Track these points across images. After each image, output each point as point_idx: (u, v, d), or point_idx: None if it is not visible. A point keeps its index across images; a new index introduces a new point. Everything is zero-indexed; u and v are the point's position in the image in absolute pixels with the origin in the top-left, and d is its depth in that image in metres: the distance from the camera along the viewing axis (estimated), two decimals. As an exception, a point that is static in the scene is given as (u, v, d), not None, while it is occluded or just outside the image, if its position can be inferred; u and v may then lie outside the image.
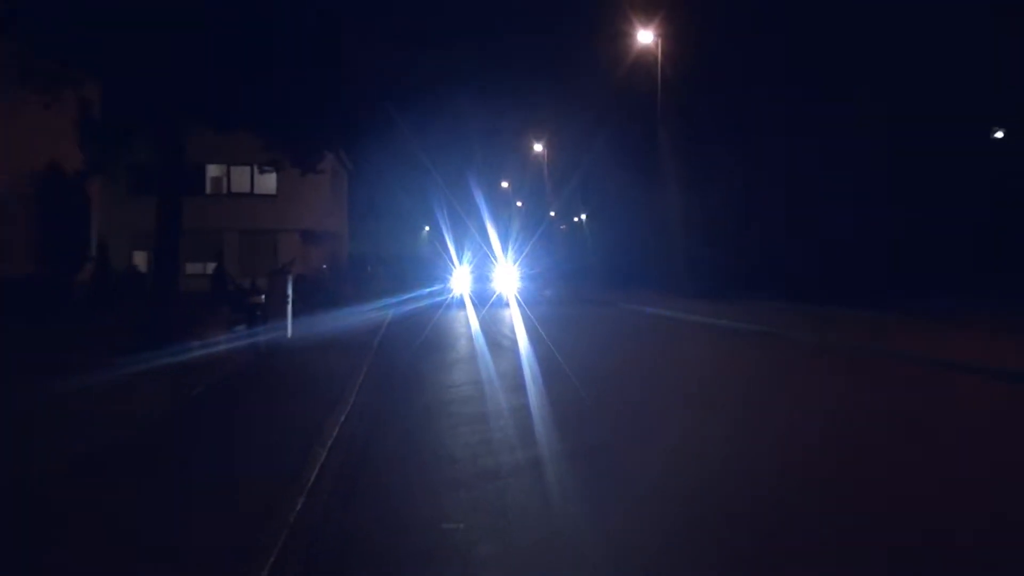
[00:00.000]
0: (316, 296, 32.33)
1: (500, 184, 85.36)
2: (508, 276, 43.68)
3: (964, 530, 6.59)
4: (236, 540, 6.09)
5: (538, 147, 62.40)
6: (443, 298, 40.67)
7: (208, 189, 46.93)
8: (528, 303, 36.39)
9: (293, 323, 21.26)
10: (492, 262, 45.66)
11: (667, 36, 29.73)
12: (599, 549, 6.24)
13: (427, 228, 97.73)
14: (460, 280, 44.71)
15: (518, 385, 13.93)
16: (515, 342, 21.12)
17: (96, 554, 5.89)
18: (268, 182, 45.55)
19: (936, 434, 10.37)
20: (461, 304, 36.34)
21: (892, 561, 5.94)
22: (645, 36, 29.85)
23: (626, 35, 30.85)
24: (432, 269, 56.26)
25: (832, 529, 6.57)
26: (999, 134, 29.32)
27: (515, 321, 27.29)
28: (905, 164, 29.06)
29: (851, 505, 7.15)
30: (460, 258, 49.41)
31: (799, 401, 12.83)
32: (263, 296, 20.71)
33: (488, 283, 42.12)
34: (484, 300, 37.88)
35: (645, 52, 31.58)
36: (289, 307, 21.02)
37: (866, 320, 23.50)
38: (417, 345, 20.65)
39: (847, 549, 6.17)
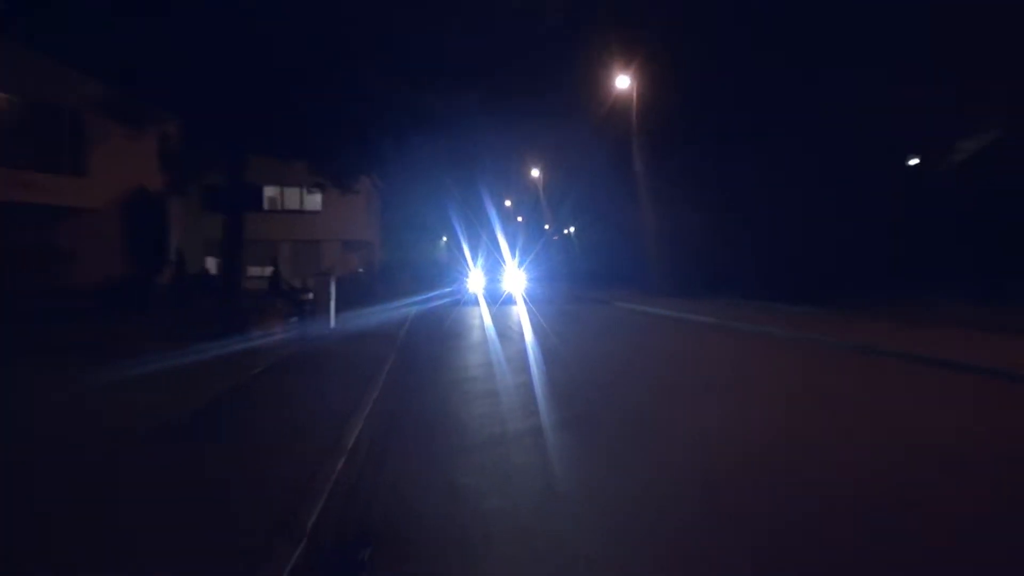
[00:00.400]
0: (354, 294, 32.38)
1: (504, 202, 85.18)
2: (516, 277, 43.61)
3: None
4: (299, 472, 6.32)
5: (535, 172, 62.24)
6: (460, 296, 40.05)
7: (265, 206, 46.96)
8: (532, 299, 36.37)
9: (335, 316, 21.35)
10: (501, 266, 45.06)
11: (642, 79, 29.67)
12: (582, 499, 6.43)
13: (445, 237, 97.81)
14: (475, 281, 44.41)
15: (523, 366, 14.09)
16: (521, 329, 21.28)
17: (192, 482, 6.10)
18: (314, 200, 45.58)
19: (772, 373, 12.28)
20: (475, 301, 35.79)
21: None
22: (622, 81, 29.75)
23: (608, 80, 30.82)
24: (450, 272, 56.14)
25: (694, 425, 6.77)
26: (914, 160, 29.34)
27: (521, 314, 27.24)
28: (843, 185, 29.04)
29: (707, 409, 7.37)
30: (474, 262, 49.20)
31: (723, 367, 13.46)
32: (311, 294, 20.79)
33: (498, 283, 41.72)
34: (495, 298, 37.47)
35: (623, 94, 31.56)
36: (332, 303, 21.10)
37: (800, 314, 23.56)
38: (438, 334, 20.77)
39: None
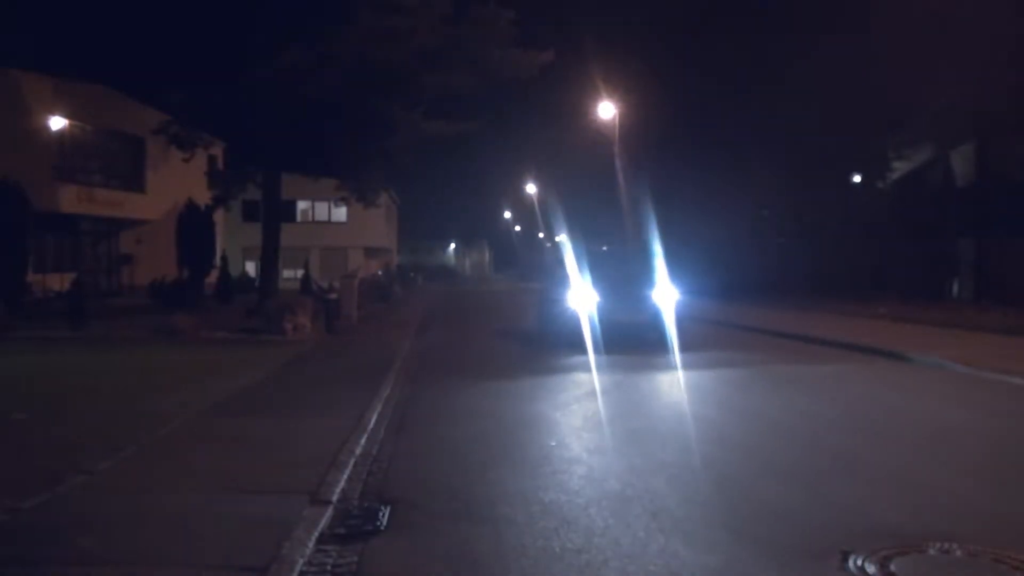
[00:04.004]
0: (374, 293, 33.31)
1: (503, 213, 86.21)
2: (663, 290, 43.30)
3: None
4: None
5: (531, 187, 62.91)
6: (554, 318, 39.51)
7: (298, 218, 48.39)
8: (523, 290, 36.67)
9: (357, 312, 22.30)
10: (629, 267, 44.09)
11: (626, 105, 30.30)
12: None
13: (453, 244, 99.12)
14: (580, 294, 44.36)
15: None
16: (497, 313, 22.03)
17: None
18: (340, 213, 46.78)
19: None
20: (582, 347, 35.69)
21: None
22: (606, 108, 30.49)
23: (593, 108, 31.56)
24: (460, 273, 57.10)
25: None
26: (856, 178, 30.17)
27: (503, 305, 27.90)
28: (796, 202, 29.82)
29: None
30: (584, 263, 49.41)
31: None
32: (337, 294, 21.77)
33: (635, 300, 40.89)
34: (649, 343, 37.11)
35: (608, 117, 32.28)
36: (354, 300, 22.02)
37: (747, 308, 24.24)
38: (442, 319, 21.76)
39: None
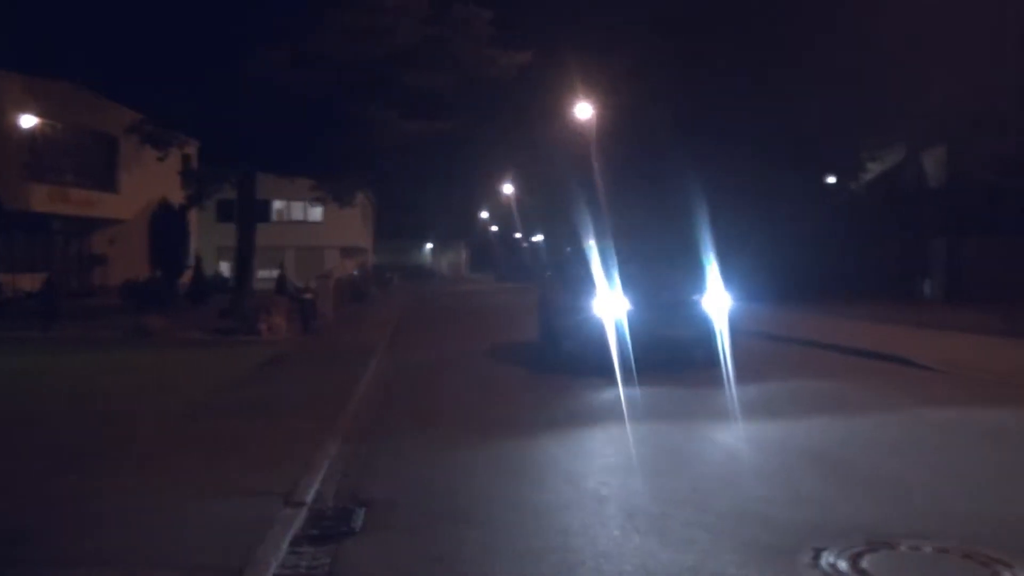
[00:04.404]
0: (350, 293, 33.21)
1: (481, 213, 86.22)
2: (714, 291, 42.42)
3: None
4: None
5: (509, 187, 62.79)
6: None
7: (274, 217, 48.08)
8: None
9: (333, 312, 22.26)
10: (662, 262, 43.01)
11: (600, 108, 30.19)
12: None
13: (430, 244, 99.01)
14: (609, 300, 43.73)
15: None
16: (481, 317, 22.18)
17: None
18: (316, 212, 46.58)
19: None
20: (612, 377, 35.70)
21: None
22: (583, 111, 30.36)
23: (569, 112, 31.40)
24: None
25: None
26: (831, 179, 30.31)
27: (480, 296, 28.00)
28: (768, 204, 29.81)
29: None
30: (609, 260, 48.94)
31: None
32: (312, 293, 21.68)
33: (679, 308, 39.73)
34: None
35: (582, 121, 32.15)
36: (330, 301, 22.01)
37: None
38: (419, 324, 21.74)
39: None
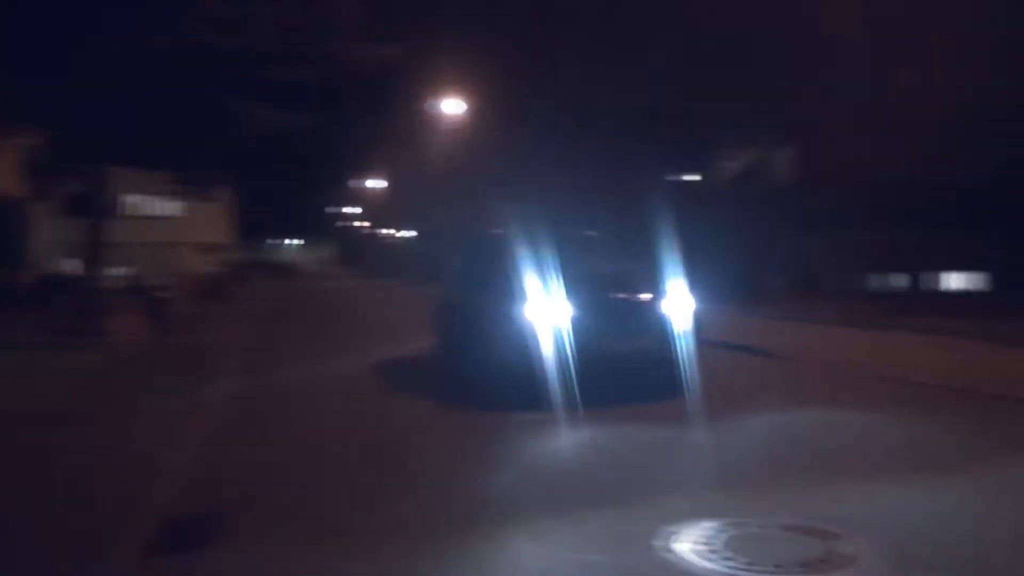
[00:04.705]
0: (210, 292, 31.97)
1: (350, 209, 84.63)
2: (675, 293, 40.45)
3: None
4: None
5: (379, 183, 61.85)
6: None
7: (126, 211, 45.47)
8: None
9: (189, 311, 21.46)
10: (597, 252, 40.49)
11: (473, 97, 29.96)
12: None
13: (297, 240, 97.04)
14: (545, 303, 41.86)
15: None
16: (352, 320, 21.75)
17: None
18: (174, 207, 44.59)
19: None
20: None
21: None
22: (454, 105, 30.27)
23: (441, 103, 31.25)
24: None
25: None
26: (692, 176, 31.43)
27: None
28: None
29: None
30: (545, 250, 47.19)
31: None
32: (169, 292, 20.83)
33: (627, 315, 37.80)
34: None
35: (457, 112, 31.92)
36: (186, 299, 21.22)
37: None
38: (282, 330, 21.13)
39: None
